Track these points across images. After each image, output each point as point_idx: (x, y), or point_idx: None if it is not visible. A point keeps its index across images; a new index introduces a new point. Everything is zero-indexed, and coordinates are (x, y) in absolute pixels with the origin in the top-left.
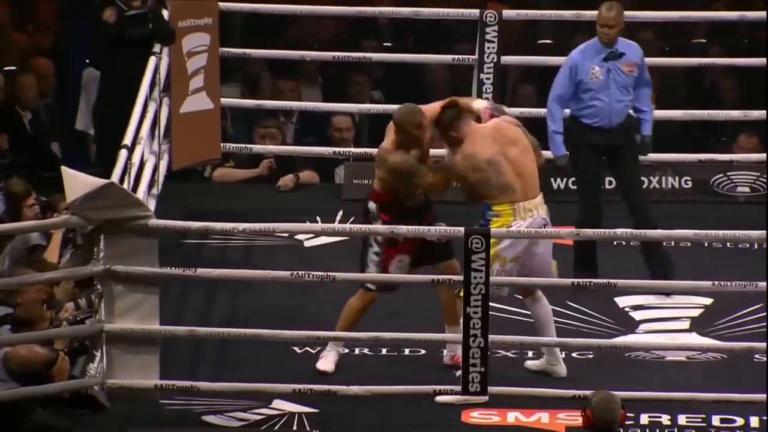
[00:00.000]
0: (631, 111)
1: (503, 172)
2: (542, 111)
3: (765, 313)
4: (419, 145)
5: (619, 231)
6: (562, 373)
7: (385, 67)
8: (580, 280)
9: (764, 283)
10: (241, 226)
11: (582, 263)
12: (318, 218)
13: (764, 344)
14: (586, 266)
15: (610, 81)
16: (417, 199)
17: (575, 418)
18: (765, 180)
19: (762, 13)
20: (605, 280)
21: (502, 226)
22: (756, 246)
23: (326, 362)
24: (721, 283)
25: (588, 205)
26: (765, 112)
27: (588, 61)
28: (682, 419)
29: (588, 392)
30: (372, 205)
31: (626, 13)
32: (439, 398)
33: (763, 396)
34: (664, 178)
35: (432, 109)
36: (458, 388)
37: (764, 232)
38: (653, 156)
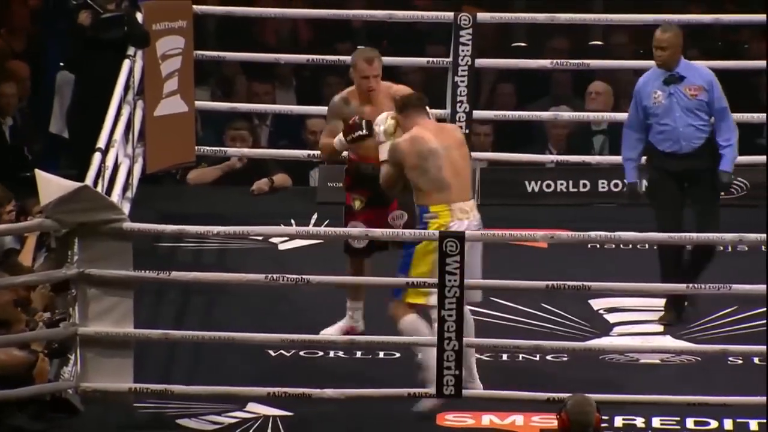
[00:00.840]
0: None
1: (441, 167)
2: (519, 114)
3: (739, 316)
4: (367, 97)
5: (593, 234)
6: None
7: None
8: (554, 283)
9: (738, 286)
10: (216, 229)
11: (682, 270)
12: (292, 221)
13: (738, 347)
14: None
15: (673, 104)
16: (378, 171)
17: (550, 421)
18: (739, 183)
19: (736, 16)
20: (579, 283)
21: (440, 227)
22: (729, 248)
23: (333, 328)
24: (695, 285)
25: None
26: (741, 115)
27: (649, 85)
28: (656, 422)
29: (562, 395)
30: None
31: (598, 16)
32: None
33: (736, 398)
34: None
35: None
36: (433, 390)
37: (738, 235)
38: None
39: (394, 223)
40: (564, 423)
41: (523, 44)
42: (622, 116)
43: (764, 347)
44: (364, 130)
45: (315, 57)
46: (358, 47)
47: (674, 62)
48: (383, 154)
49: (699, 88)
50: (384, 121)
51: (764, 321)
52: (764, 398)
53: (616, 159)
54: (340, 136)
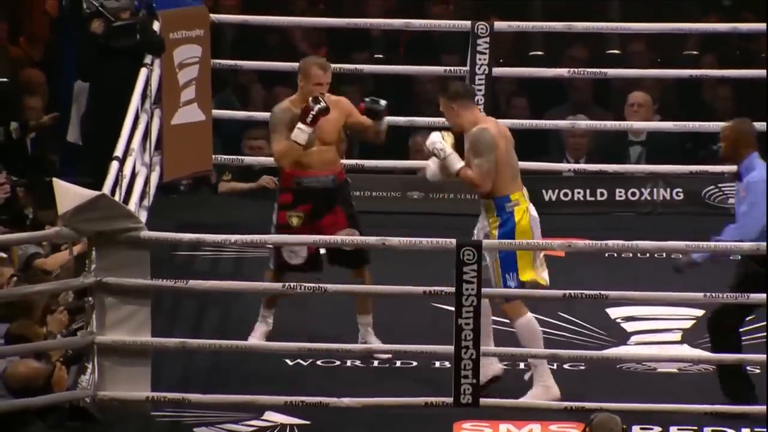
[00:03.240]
0: None
1: (514, 155)
2: (536, 122)
3: (757, 324)
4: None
5: (610, 243)
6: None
7: (375, 78)
8: (572, 291)
9: (755, 295)
10: (233, 237)
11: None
12: None
13: (756, 356)
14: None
15: (736, 203)
16: (324, 183)
17: (567, 430)
18: None
19: (754, 25)
20: (597, 292)
21: (523, 213)
22: None
23: (256, 335)
24: (713, 294)
25: None
26: (758, 123)
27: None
28: (673, 431)
29: (580, 404)
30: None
31: (615, 24)
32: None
33: (754, 408)
34: (655, 189)
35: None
36: (450, 399)
37: (755, 244)
38: (645, 167)
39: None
40: None
41: (540, 53)
42: (641, 125)
43: None
44: (322, 103)
45: (332, 66)
46: (311, 56)
47: (734, 157)
48: (454, 165)
49: (745, 189)
50: (440, 138)
51: None
52: None
53: (637, 168)
54: (300, 126)
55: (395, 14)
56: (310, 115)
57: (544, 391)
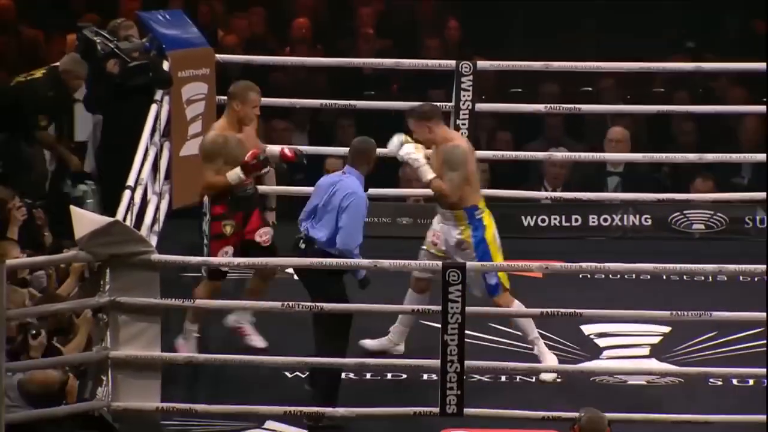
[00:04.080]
0: None
1: (477, 168)
2: (514, 154)
3: (719, 341)
4: (240, 126)
5: (584, 265)
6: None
7: (369, 113)
8: (548, 310)
9: (718, 313)
10: (237, 260)
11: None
12: None
13: (718, 369)
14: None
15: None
16: (249, 191)
17: None
18: (719, 218)
19: (716, 64)
20: (572, 310)
21: (489, 218)
22: (710, 279)
23: (187, 347)
24: (678, 312)
25: None
26: (720, 155)
27: None
28: None
29: (557, 413)
30: (205, 200)
31: (589, 63)
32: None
33: (717, 417)
34: (625, 216)
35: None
36: (436, 409)
37: (717, 266)
38: (616, 195)
39: (262, 239)
40: None
41: (519, 90)
42: (613, 157)
43: (743, 369)
44: (268, 167)
45: (328, 102)
46: (241, 81)
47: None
48: (426, 175)
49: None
50: (413, 149)
51: (742, 345)
52: (744, 416)
53: (608, 196)
54: (239, 172)
55: (389, 52)
56: (255, 173)
57: (553, 359)
